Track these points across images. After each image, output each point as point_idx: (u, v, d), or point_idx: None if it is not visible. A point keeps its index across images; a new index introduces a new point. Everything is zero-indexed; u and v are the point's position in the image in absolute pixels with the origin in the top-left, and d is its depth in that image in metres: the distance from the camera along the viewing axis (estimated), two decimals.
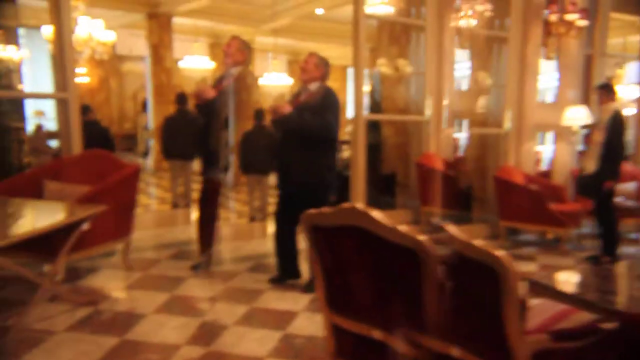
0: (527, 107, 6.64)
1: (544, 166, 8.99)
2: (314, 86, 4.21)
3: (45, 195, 4.44)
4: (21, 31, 12.98)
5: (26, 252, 3.78)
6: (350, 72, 19.70)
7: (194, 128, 4.71)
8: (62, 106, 4.92)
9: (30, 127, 11.45)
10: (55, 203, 4.16)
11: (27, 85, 13.36)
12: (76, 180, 4.58)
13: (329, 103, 4.10)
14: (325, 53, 16.17)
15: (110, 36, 11.93)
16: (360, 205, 2.13)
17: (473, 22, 7.11)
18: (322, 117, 4.02)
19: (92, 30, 11.60)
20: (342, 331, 2.48)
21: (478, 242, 1.99)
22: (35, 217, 3.88)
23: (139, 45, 14.98)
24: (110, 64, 15.08)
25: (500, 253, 1.92)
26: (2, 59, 11.52)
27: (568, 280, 3.18)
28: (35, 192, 4.42)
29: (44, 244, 3.63)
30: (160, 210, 8.23)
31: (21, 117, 9.67)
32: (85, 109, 6.23)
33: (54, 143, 13.20)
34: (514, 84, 6.59)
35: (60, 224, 3.46)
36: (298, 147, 4.15)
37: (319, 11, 11.24)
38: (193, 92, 4.11)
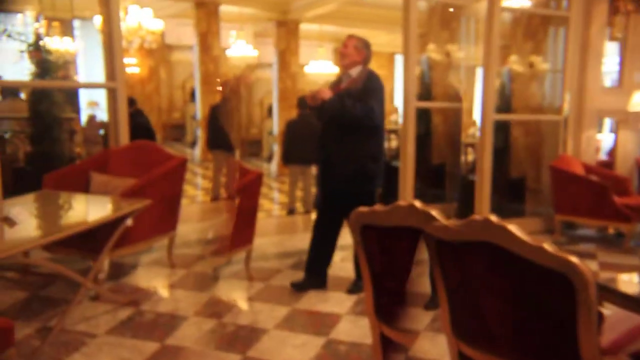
0: (588, 92, 6.12)
1: (602, 155, 8.41)
2: (355, 71, 3.85)
3: (92, 187, 4.32)
4: (76, 23, 13.16)
5: (69, 248, 3.70)
6: (401, 59, 19.22)
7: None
8: (112, 96, 4.88)
9: (84, 117, 11.60)
10: (99, 197, 4.01)
11: (81, 75, 13.55)
12: (122, 172, 4.44)
13: (372, 88, 3.74)
14: (373, 40, 15.66)
15: (158, 25, 11.91)
16: (494, 218, 1.80)
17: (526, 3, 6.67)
18: (364, 102, 3.68)
19: (141, 19, 11.61)
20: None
21: (548, 246, 1.66)
22: (79, 213, 3.78)
23: (188, 34, 14.99)
24: (160, 53, 15.11)
25: (575, 259, 1.59)
26: (59, 51, 11.68)
27: (632, 281, 2.79)
28: (83, 185, 4.32)
29: (88, 240, 3.50)
30: (204, 202, 8.12)
31: (75, 108, 9.76)
32: (130, 102, 6.13)
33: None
34: (574, 66, 6.07)
35: (102, 221, 3.30)
36: (339, 137, 3.82)
37: None
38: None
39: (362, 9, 13.03)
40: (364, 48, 3.84)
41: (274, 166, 12.02)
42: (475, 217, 1.84)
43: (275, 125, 12.42)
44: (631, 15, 6.16)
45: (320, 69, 13.81)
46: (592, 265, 4.93)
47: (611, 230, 6.03)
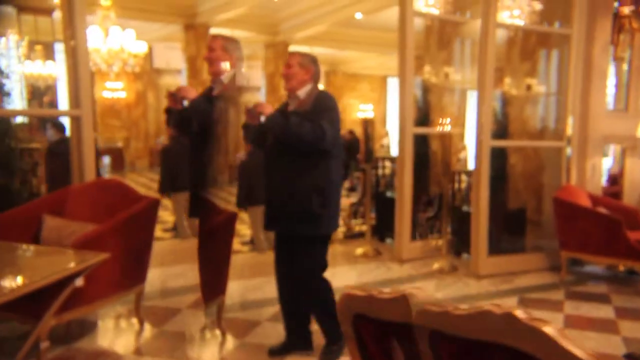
0: (592, 116, 5.50)
1: (603, 182, 7.79)
2: (304, 92, 3.15)
3: (43, 234, 3.60)
4: (58, 46, 12.61)
5: (6, 311, 2.92)
6: (394, 82, 18.66)
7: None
8: (75, 125, 4.36)
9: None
10: (45, 250, 3.25)
11: (63, 101, 12.97)
12: (82, 215, 3.76)
13: (323, 107, 3.06)
14: (364, 63, 15.14)
15: (142, 48, 11.34)
16: (520, 313, 1.09)
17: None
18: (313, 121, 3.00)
19: (123, 41, 11.04)
20: None
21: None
22: (17, 272, 2.94)
23: (176, 57, 14.46)
24: (148, 77, 14.55)
25: None
26: (42, 76, 11.09)
27: None
28: (34, 230, 3.62)
29: (26, 302, 2.72)
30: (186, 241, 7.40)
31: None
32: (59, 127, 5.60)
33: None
34: (577, 88, 5.46)
35: (37, 286, 2.56)
36: (280, 165, 3.11)
37: (358, 15, 10.29)
38: (245, 109, 3.23)
39: (353, 31, 12.52)
40: (311, 64, 3.17)
41: None
42: (491, 309, 1.16)
43: None
44: (636, 34, 5.58)
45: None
46: (608, 312, 4.26)
47: (622, 268, 5.35)
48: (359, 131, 16.54)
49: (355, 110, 17.40)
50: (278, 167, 3.11)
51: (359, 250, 5.88)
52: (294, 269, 3.24)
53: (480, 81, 5.06)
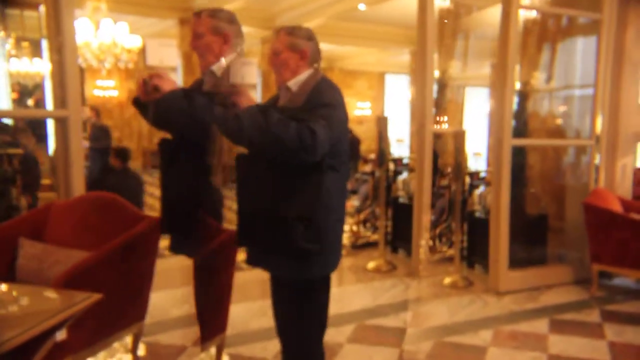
0: (623, 111, 4.81)
1: None
2: (297, 82, 2.20)
3: (20, 263, 2.85)
4: (46, 43, 11.90)
5: None
6: (392, 79, 17.99)
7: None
8: (61, 127, 3.69)
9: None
10: (20, 289, 2.26)
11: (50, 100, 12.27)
12: (67, 238, 3.00)
13: (317, 102, 2.09)
14: (362, 59, 14.31)
15: (136, 42, 10.59)
16: None
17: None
18: (301, 121, 1.98)
19: (115, 35, 10.29)
20: None
21: None
22: None
23: (171, 54, 13.71)
24: (141, 75, 13.80)
25: None
26: (30, 74, 10.38)
27: None
28: (8, 258, 2.87)
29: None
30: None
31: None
32: None
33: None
34: (606, 81, 4.76)
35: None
36: (255, 177, 2.11)
37: (362, 7, 9.54)
38: (139, 80, 2.31)
39: (354, 25, 11.78)
40: (306, 41, 2.21)
41: None
42: None
43: None
44: None
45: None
46: None
47: None
48: (358, 130, 15.91)
49: (353, 109, 16.68)
50: (250, 179, 2.14)
51: (371, 264, 5.15)
52: (278, 325, 2.34)
53: (501, 71, 4.36)
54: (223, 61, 2.35)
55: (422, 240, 4.79)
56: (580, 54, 5.25)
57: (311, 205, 2.05)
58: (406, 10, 9.43)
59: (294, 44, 2.21)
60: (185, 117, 2.21)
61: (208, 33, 2.33)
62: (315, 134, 1.92)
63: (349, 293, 4.45)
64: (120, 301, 2.76)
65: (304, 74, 2.21)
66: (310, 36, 2.26)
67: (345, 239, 5.97)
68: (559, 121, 5.38)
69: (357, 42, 12.87)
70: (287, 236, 2.02)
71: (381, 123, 5.08)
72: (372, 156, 11.73)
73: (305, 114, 2.01)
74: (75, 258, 2.67)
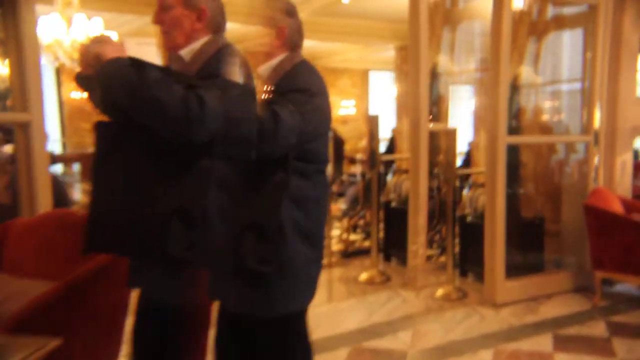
0: (621, 104, 4.45)
1: None
2: (269, 67, 1.76)
3: None
4: None
5: None
6: (376, 76, 17.58)
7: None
8: (22, 134, 3.35)
9: None
10: None
11: None
12: (28, 265, 2.56)
13: (287, 87, 1.66)
14: (345, 55, 13.74)
15: (112, 38, 10.06)
16: None
17: None
18: (267, 107, 1.54)
19: (89, 32, 9.76)
20: None
21: None
22: None
23: (150, 54, 13.20)
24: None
25: None
26: (1, 76, 9.84)
27: None
28: None
29: None
30: None
31: None
32: None
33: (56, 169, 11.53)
34: (604, 72, 4.39)
35: None
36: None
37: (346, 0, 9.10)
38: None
39: (337, 20, 11.34)
40: (285, 17, 1.75)
41: None
42: None
43: None
44: None
45: None
46: None
47: None
48: (342, 130, 15.48)
49: (337, 108, 16.27)
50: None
51: (364, 275, 4.72)
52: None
53: (494, 63, 3.96)
54: (197, 44, 1.70)
55: (418, 249, 4.38)
56: (571, 46, 4.88)
57: (267, 216, 1.55)
58: (392, 3, 9.02)
59: (273, 19, 1.74)
60: (130, 91, 1.48)
61: (178, 4, 1.70)
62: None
63: (342, 310, 4.02)
64: (87, 342, 2.29)
65: (279, 58, 1.75)
66: (292, 12, 1.77)
67: (335, 246, 5.55)
68: (553, 117, 5.00)
69: (340, 38, 12.45)
70: (235, 254, 1.52)
71: (372, 122, 4.65)
72: (359, 156, 11.29)
73: (276, 98, 1.56)
74: (34, 291, 2.19)
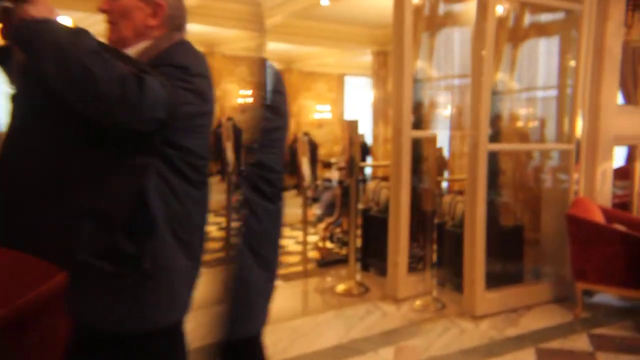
0: (604, 112, 4.37)
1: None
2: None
3: None
4: None
5: None
6: (352, 81, 17.48)
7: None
8: None
9: None
10: None
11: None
12: None
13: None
14: (320, 60, 13.58)
15: None
16: None
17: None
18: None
19: None
20: None
21: None
22: None
23: None
24: None
25: None
26: None
27: None
28: None
29: None
30: None
31: None
32: None
33: None
34: (587, 79, 4.31)
35: None
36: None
37: (324, 2, 8.92)
38: None
39: (314, 24, 11.19)
40: None
41: None
42: None
43: None
44: None
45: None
46: None
47: None
48: (317, 134, 15.31)
49: (312, 112, 16.11)
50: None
51: (341, 287, 4.49)
52: None
53: (476, 69, 3.84)
54: (147, 43, 1.43)
55: (399, 260, 4.21)
56: (547, 54, 4.80)
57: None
58: (370, 8, 8.88)
59: None
60: (60, 57, 1.19)
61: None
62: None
63: (318, 324, 3.80)
64: None
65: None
66: None
67: (310, 252, 5.35)
68: (528, 124, 4.90)
69: (318, 42, 12.31)
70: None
71: (351, 127, 4.46)
72: (334, 160, 11.06)
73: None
74: None
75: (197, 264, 1.47)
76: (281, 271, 4.57)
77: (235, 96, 15.83)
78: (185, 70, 1.35)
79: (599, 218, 4.17)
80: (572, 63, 4.34)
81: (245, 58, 16.74)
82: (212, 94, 1.44)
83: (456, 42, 5.05)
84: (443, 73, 5.19)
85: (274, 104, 1.89)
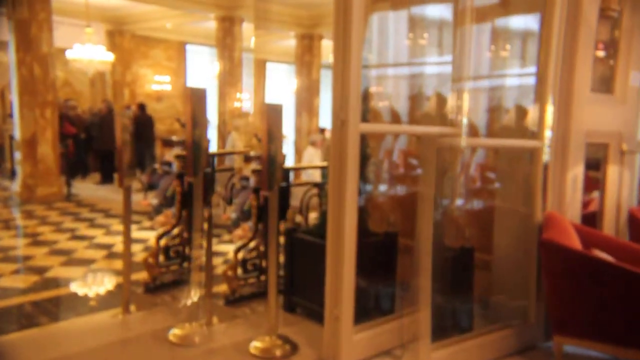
0: (577, 101, 3.32)
1: None
2: None
3: None
4: None
5: None
6: (192, 50, 15.48)
7: None
8: None
9: None
10: None
11: None
12: None
13: None
14: (158, 23, 11.32)
15: None
16: None
17: None
18: None
19: None
20: None
21: None
22: None
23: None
24: None
25: None
26: None
27: None
28: None
29: None
30: None
31: None
32: None
33: None
34: (558, 61, 3.22)
35: None
36: None
37: None
38: None
39: None
40: None
41: (15, 186, 8.07)
42: None
43: (17, 127, 7.97)
44: None
45: (87, 54, 10.06)
46: None
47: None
48: (156, 108, 13.13)
49: (149, 82, 13.83)
50: None
51: (257, 344, 2.94)
52: None
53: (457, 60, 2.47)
54: None
55: (341, 311, 2.71)
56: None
57: None
58: None
59: None
60: None
61: None
62: None
63: None
64: None
65: None
66: None
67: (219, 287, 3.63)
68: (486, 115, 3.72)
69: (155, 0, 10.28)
70: None
71: (271, 115, 2.80)
72: (175, 138, 9.17)
73: None
74: None
75: None
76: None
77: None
78: None
79: (575, 242, 3.13)
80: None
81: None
82: None
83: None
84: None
85: None
